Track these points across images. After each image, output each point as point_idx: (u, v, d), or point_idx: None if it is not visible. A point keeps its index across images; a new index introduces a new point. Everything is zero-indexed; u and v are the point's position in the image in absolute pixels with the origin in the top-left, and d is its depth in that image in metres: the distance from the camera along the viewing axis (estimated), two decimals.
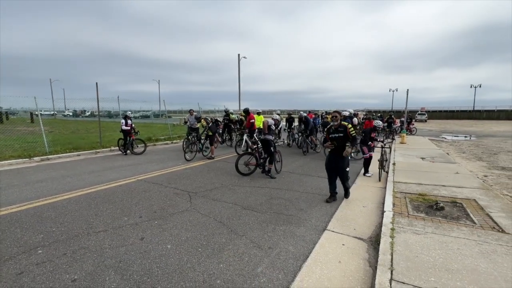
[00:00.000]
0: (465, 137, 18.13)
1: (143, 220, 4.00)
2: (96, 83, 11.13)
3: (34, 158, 8.79)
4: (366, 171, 7.02)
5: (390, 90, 60.40)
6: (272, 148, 6.63)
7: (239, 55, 27.36)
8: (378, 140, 7.05)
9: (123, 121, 9.64)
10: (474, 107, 56.50)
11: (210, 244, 3.33)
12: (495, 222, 3.75)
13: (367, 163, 7.03)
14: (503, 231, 3.47)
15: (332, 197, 5.03)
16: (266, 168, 6.75)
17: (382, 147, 6.94)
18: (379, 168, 6.73)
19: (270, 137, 6.66)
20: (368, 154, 6.92)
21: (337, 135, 4.75)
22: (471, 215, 4.04)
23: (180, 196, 5.14)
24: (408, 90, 16.23)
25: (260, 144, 6.85)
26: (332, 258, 3.09)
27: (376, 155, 7.31)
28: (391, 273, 2.58)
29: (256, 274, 2.76)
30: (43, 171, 7.14)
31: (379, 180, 6.47)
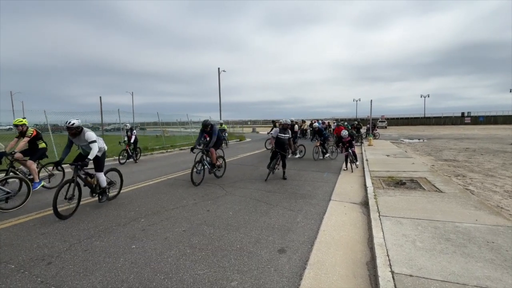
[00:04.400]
0: (419, 139, 21.45)
1: (198, 201, 5.34)
2: (100, 97, 12.15)
3: (48, 167, 9.39)
4: (346, 165, 8.86)
5: (354, 100, 66.07)
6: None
7: (219, 69, 28.98)
8: (354, 143, 9.06)
9: (135, 132, 10.72)
10: (425, 114, 63.99)
11: (258, 211, 4.81)
12: (437, 188, 5.74)
13: (346, 159, 8.91)
14: (440, 191, 5.44)
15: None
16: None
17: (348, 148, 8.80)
18: (350, 163, 8.72)
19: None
20: (346, 153, 8.82)
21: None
22: (423, 185, 6.02)
23: (213, 187, 6.50)
24: (371, 100, 19.09)
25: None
26: (340, 212, 4.76)
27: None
28: (379, 212, 4.31)
29: (297, 222, 4.31)
30: None
31: (352, 171, 8.41)
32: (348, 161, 8.82)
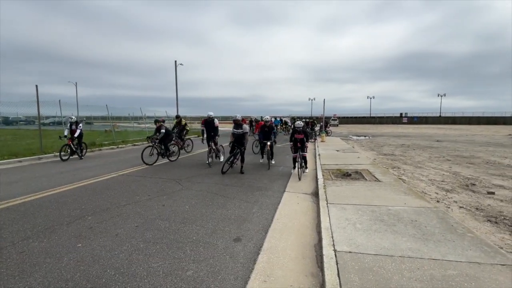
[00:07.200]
0: (365, 137, 23.59)
1: (152, 197, 5.17)
2: (36, 85, 10.58)
3: None
4: (294, 167, 7.70)
5: (309, 99, 69.46)
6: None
7: (175, 61, 27.78)
8: (307, 143, 7.38)
9: (81, 125, 9.79)
10: (370, 114, 70.35)
11: (215, 203, 4.86)
12: (376, 178, 6.47)
13: (294, 162, 7.70)
14: (379, 181, 6.16)
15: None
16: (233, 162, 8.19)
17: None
18: (299, 168, 7.19)
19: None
20: (294, 154, 7.51)
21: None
22: (365, 176, 6.72)
23: (169, 182, 6.33)
24: (324, 99, 20.33)
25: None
26: (293, 202, 5.08)
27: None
28: (327, 201, 4.71)
29: (253, 212, 4.48)
30: (6, 174, 6.97)
31: (300, 179, 6.81)
32: (297, 165, 7.32)
